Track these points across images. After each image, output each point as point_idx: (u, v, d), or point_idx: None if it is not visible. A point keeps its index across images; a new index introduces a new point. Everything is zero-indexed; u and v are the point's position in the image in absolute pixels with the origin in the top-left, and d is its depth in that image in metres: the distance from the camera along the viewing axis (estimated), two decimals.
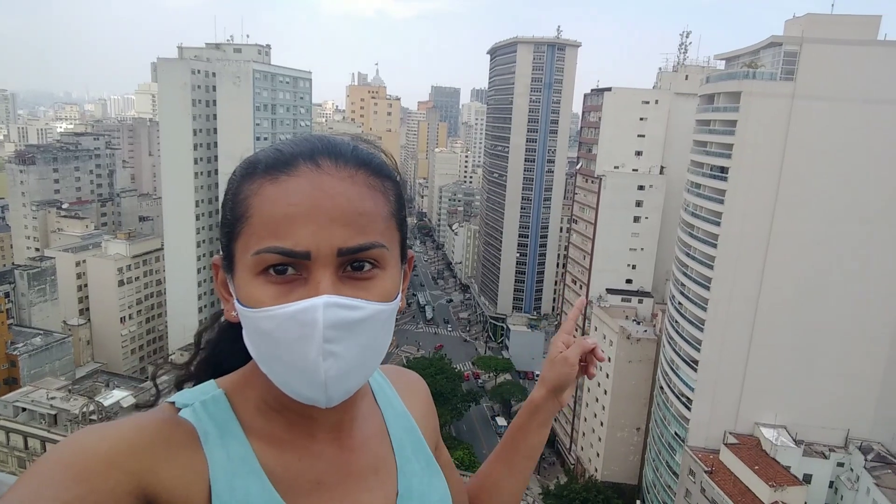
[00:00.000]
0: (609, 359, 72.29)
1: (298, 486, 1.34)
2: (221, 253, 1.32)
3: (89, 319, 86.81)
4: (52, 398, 53.53)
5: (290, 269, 1.18)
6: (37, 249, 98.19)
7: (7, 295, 79.69)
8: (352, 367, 1.21)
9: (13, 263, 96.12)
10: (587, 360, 1.87)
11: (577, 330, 1.93)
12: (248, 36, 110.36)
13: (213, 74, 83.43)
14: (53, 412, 51.89)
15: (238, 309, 1.25)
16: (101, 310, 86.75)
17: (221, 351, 1.56)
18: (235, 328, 1.31)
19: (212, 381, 1.42)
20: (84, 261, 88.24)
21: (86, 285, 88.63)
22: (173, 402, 1.33)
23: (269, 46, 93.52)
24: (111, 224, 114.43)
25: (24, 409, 53.25)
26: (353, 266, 1.22)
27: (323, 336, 1.15)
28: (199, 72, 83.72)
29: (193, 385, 1.43)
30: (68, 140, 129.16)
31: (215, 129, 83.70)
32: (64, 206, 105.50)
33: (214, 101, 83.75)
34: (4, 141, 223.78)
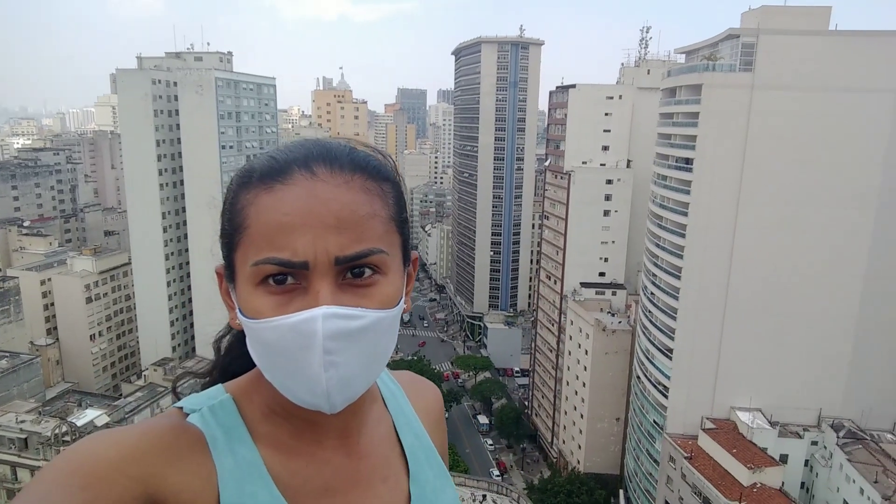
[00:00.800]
0: (586, 351, 73.08)
1: (306, 492, 1.33)
2: (223, 262, 1.32)
3: (58, 339, 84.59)
4: (22, 421, 51.94)
5: (289, 279, 1.18)
6: None
7: None
8: (354, 375, 1.21)
9: None
10: None
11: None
12: (208, 44, 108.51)
13: (175, 84, 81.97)
14: (24, 436, 50.34)
15: (240, 319, 1.26)
16: (69, 328, 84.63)
17: (232, 356, 1.56)
18: (243, 333, 1.31)
19: (219, 385, 1.42)
20: (49, 279, 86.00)
21: (52, 304, 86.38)
22: (181, 408, 1.33)
23: (230, 54, 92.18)
24: (76, 240, 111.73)
25: None
26: (353, 273, 1.21)
27: (323, 347, 1.15)
28: (159, 82, 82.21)
29: (201, 390, 1.44)
30: (27, 156, 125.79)
31: (179, 140, 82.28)
32: (25, 223, 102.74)
33: (177, 111, 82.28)
34: None
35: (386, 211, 1.27)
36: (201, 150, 79.20)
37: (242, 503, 1.23)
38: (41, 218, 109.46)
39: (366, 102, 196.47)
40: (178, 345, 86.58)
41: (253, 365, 1.33)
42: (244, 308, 1.23)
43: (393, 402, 1.65)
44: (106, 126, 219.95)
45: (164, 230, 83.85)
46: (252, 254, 1.19)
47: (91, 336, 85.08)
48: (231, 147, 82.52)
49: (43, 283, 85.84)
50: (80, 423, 51.85)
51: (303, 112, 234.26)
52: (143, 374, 76.61)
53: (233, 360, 1.54)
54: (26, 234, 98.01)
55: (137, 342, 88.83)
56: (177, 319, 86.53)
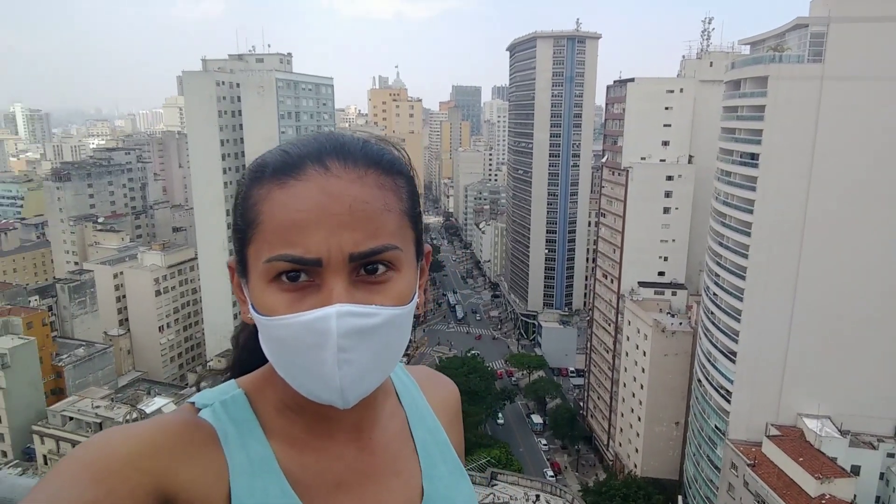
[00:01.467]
0: (644, 353, 71.48)
1: (317, 487, 1.33)
2: (235, 256, 1.31)
3: (129, 329, 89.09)
4: (97, 407, 55.12)
5: (302, 276, 1.17)
6: (76, 263, 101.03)
7: (50, 308, 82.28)
8: (367, 371, 1.21)
9: (54, 277, 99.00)
10: None
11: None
12: (269, 45, 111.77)
13: (237, 85, 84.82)
14: (99, 420, 53.38)
15: (253, 315, 1.25)
16: (139, 320, 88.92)
17: (248, 351, 1.56)
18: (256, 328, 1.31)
19: (232, 380, 1.42)
20: (121, 272, 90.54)
21: (124, 296, 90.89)
22: (193, 403, 1.34)
23: (290, 55, 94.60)
24: (146, 236, 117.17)
25: (71, 419, 54.94)
26: (367, 269, 1.20)
27: (337, 345, 1.14)
28: (223, 83, 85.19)
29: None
30: (101, 155, 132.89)
31: (242, 139, 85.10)
32: (100, 220, 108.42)
33: (240, 112, 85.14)
34: (41, 159, 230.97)
35: (399, 206, 1.25)
36: (263, 150, 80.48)
37: (254, 498, 1.23)
38: (114, 214, 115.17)
39: (420, 100, 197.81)
40: None
41: (265, 360, 1.33)
42: (257, 304, 1.22)
43: (407, 396, 1.64)
44: (173, 126, 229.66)
45: (228, 226, 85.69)
46: (265, 250, 1.18)
47: (160, 327, 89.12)
48: None
49: (115, 276, 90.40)
50: (148, 410, 54.50)
51: (359, 111, 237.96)
52: (208, 364, 79.70)
53: (249, 355, 1.53)
54: (101, 230, 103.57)
55: (203, 334, 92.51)
56: (239, 313, 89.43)
